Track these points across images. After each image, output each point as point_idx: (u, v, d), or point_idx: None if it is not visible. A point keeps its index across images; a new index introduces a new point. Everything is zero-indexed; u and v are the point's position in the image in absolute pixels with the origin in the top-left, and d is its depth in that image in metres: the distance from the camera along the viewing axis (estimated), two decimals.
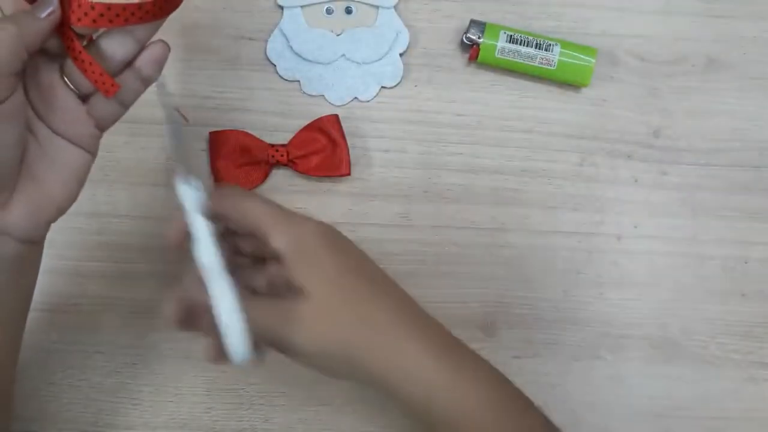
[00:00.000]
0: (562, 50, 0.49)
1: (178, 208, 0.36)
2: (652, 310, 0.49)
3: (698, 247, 0.50)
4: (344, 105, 0.50)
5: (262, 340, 0.34)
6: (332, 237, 0.37)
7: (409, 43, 0.50)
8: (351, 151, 0.48)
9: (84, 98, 0.37)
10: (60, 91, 0.36)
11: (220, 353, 0.34)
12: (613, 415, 0.48)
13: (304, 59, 0.50)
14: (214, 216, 0.35)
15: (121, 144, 0.49)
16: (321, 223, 0.37)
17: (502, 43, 0.49)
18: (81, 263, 0.47)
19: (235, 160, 0.48)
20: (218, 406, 0.47)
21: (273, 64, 0.50)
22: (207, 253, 0.34)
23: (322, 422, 0.47)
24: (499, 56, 0.49)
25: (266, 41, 0.50)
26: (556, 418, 0.39)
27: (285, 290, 0.36)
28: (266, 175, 0.49)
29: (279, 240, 0.36)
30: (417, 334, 0.36)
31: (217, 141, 0.48)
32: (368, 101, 0.50)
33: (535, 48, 0.49)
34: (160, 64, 0.37)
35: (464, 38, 0.50)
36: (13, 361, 0.39)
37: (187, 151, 0.36)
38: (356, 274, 0.37)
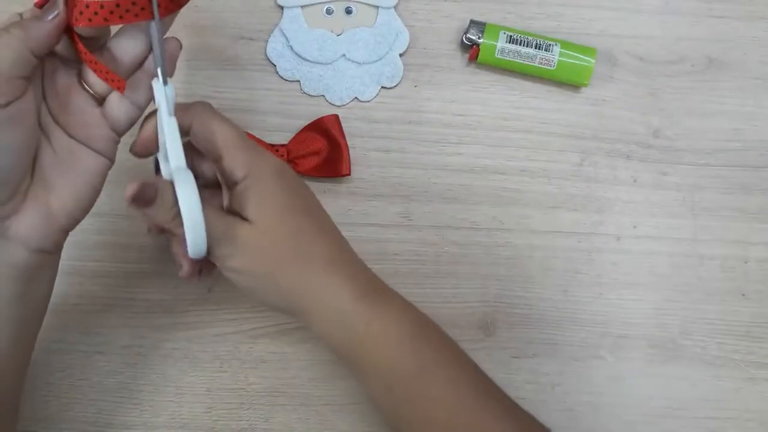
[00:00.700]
0: (562, 50, 0.49)
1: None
2: (652, 310, 0.49)
3: (698, 247, 0.50)
4: (344, 105, 0.50)
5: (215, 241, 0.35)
6: (287, 175, 0.38)
7: (409, 44, 0.50)
8: (351, 151, 0.48)
9: (100, 102, 0.37)
10: (77, 94, 0.37)
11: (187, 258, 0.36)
12: (612, 415, 0.48)
13: (304, 59, 0.50)
14: (180, 127, 0.36)
15: (121, 144, 0.48)
16: (279, 160, 0.38)
17: (501, 43, 0.49)
18: (81, 263, 0.47)
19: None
20: (218, 406, 0.47)
21: (273, 64, 0.50)
22: (175, 152, 0.35)
23: (322, 422, 0.47)
24: (498, 56, 0.49)
25: (266, 41, 0.50)
26: (555, 418, 0.39)
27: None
28: None
29: (237, 166, 0.36)
30: (345, 273, 0.37)
31: None
32: (368, 101, 0.50)
33: (535, 48, 0.49)
34: (172, 61, 0.37)
35: (464, 38, 0.50)
36: (24, 371, 0.39)
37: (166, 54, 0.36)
38: (303, 215, 0.38)
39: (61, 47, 0.36)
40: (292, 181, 0.38)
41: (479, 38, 0.49)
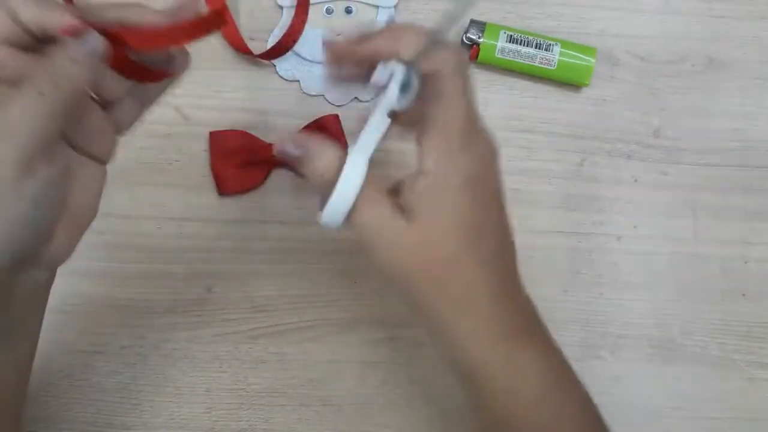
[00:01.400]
0: (562, 50, 0.49)
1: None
2: (652, 310, 0.49)
3: (698, 247, 0.50)
4: (344, 105, 0.50)
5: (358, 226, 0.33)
6: (482, 187, 0.34)
7: None
8: None
9: (104, 106, 0.35)
10: (86, 104, 0.34)
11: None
12: (613, 416, 0.48)
13: (304, 59, 0.50)
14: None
15: (121, 144, 0.48)
16: (479, 166, 0.33)
17: (502, 42, 0.49)
18: (81, 263, 0.47)
19: (235, 160, 0.48)
20: (218, 407, 0.47)
21: (273, 64, 0.50)
22: (368, 144, 0.32)
23: (321, 423, 0.47)
24: (499, 56, 0.49)
25: (266, 41, 0.50)
26: None
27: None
28: (267, 175, 0.49)
29: (431, 154, 0.32)
30: (487, 313, 0.34)
31: (217, 141, 0.48)
32: (368, 101, 0.50)
33: (535, 48, 0.49)
34: (185, 66, 0.35)
35: (464, 38, 0.50)
36: (28, 375, 0.39)
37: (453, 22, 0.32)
38: (478, 240, 0.33)
39: None
40: (484, 195, 0.34)
41: (479, 38, 0.49)
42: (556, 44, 0.49)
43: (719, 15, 0.52)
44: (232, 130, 0.48)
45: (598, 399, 0.48)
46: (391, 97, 0.32)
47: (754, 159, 0.51)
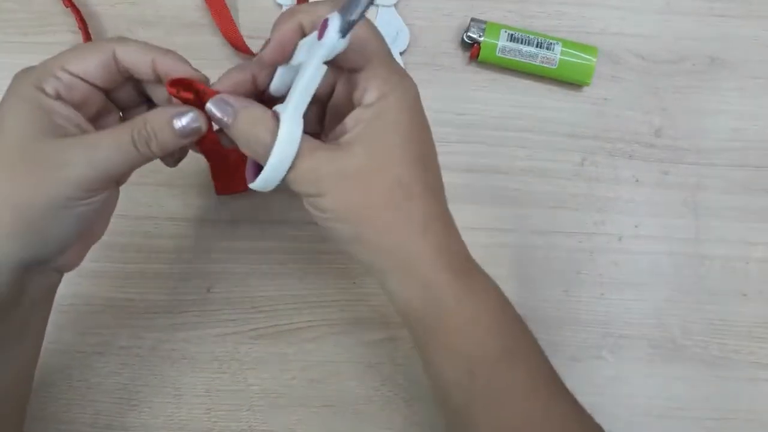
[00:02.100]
0: (564, 49, 0.49)
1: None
2: (652, 310, 0.49)
3: (699, 247, 0.50)
4: None
5: (298, 181, 0.33)
6: (419, 111, 0.34)
7: (409, 42, 0.50)
8: None
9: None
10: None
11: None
12: (613, 416, 0.48)
13: None
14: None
15: None
16: (416, 89, 0.34)
17: (503, 42, 0.49)
18: (80, 263, 0.47)
19: (235, 160, 0.48)
20: (217, 407, 0.46)
21: None
22: (301, 101, 0.32)
23: (321, 423, 0.46)
24: (500, 55, 0.49)
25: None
26: None
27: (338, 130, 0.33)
28: None
29: (374, 86, 0.32)
30: (442, 242, 0.34)
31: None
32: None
33: (536, 47, 0.49)
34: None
35: (465, 37, 0.49)
36: (32, 377, 0.40)
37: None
38: (417, 165, 0.33)
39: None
40: (421, 121, 0.34)
41: (480, 37, 0.49)
42: (557, 43, 0.49)
43: (720, 14, 0.52)
44: None
45: (599, 399, 0.48)
46: (329, 44, 0.31)
47: (756, 159, 0.51)
